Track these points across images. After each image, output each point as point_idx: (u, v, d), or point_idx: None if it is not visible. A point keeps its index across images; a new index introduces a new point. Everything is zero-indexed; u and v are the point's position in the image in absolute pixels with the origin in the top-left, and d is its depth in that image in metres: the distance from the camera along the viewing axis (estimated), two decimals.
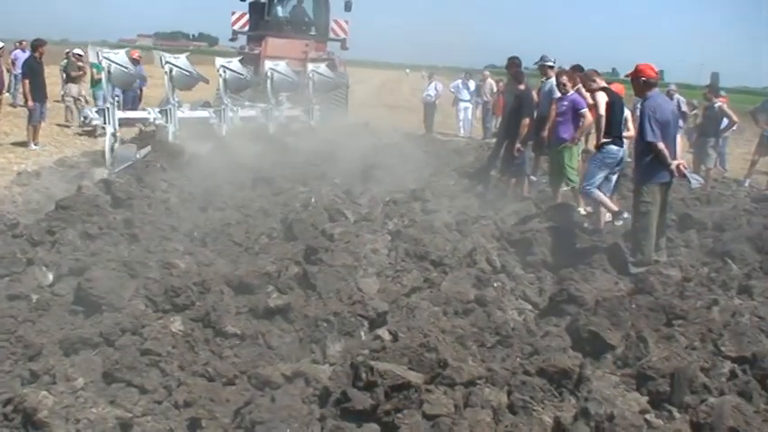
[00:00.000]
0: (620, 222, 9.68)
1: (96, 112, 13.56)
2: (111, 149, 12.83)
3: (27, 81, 15.86)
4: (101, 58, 13.71)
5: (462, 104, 25.01)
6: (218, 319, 6.03)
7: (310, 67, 18.80)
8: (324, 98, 19.50)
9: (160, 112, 14.51)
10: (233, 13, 22.23)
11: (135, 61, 19.11)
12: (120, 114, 13.45)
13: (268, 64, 17.52)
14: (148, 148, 13.47)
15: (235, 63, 16.54)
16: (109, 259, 7.45)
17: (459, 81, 25.44)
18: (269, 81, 17.27)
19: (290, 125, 18.17)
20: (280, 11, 22.47)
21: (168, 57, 14.79)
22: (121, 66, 13.97)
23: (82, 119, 14.86)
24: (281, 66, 17.70)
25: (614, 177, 10.34)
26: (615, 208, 9.79)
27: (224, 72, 15.98)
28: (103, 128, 13.20)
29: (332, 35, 22.62)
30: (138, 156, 12.97)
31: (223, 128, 15.52)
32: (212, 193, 10.70)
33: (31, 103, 15.72)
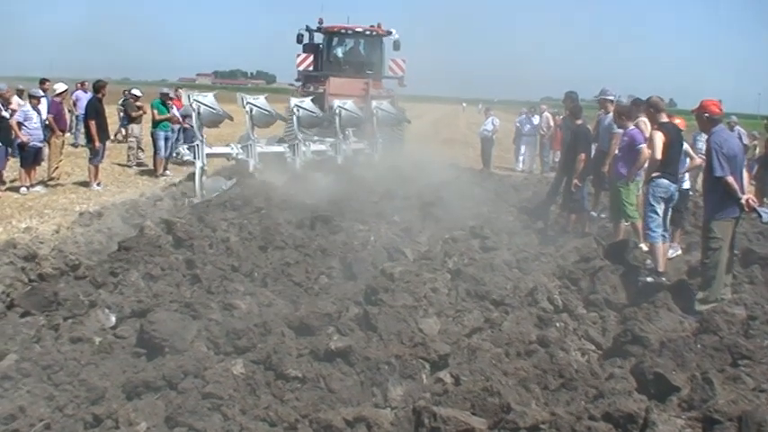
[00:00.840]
0: (651, 279, 9.42)
1: (188, 148, 14.67)
2: (201, 182, 14.49)
3: (93, 122, 16.13)
4: (191, 100, 14.98)
5: (525, 138, 24.84)
6: (280, 362, 6.01)
7: (374, 103, 19.93)
8: (384, 132, 20.24)
9: (242, 147, 15.94)
10: (298, 56, 23.23)
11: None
12: (207, 150, 14.90)
13: (336, 102, 18.73)
14: (234, 180, 15.02)
15: (307, 102, 17.90)
16: (171, 300, 7.51)
17: (523, 116, 25.38)
18: (337, 117, 18.38)
19: (356, 157, 19.12)
20: (339, 52, 23.92)
21: (249, 98, 16.26)
22: (210, 107, 15.12)
23: (174, 154, 16.25)
24: (349, 104, 18.89)
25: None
26: (662, 268, 9.55)
27: (297, 110, 17.38)
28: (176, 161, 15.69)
29: (390, 73, 23.50)
30: (224, 187, 14.72)
31: (297, 161, 16.92)
32: (271, 231, 10.74)
33: (97, 143, 16.01)
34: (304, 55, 23.33)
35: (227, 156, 16.42)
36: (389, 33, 23.58)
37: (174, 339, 6.38)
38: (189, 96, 15.46)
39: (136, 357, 6.35)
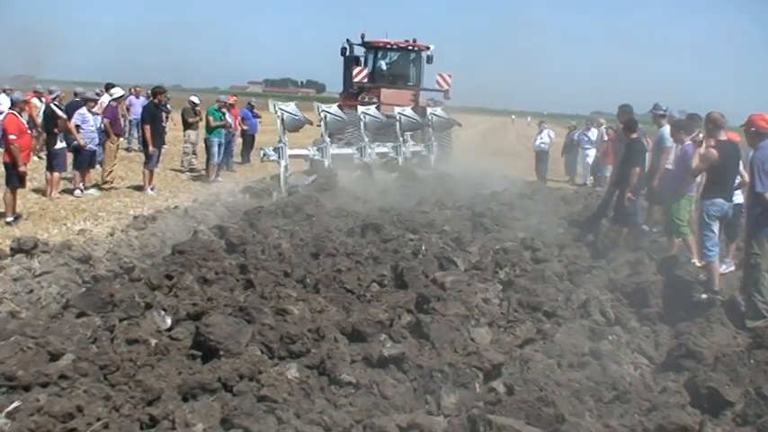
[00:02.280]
0: (705, 296, 9.26)
1: (273, 150, 17.22)
2: (285, 178, 17.20)
3: (148, 126, 16.39)
4: (276, 109, 17.47)
5: (587, 151, 24.69)
6: (333, 367, 6.07)
7: (429, 110, 21.76)
8: (437, 137, 22.10)
9: (318, 149, 18.42)
10: (355, 67, 24.74)
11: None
12: (289, 152, 17.50)
13: (397, 109, 20.61)
14: (315, 176, 17.37)
15: (372, 109, 19.95)
16: (225, 304, 7.56)
17: (580, 130, 25.29)
18: (398, 123, 20.28)
19: (414, 159, 21.16)
20: (383, 65, 25.75)
21: (280, 104, 17.92)
22: (292, 114, 17.74)
23: (261, 155, 17.57)
24: (408, 110, 20.83)
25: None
26: (717, 286, 9.42)
27: (364, 116, 19.35)
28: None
29: (436, 86, 24.94)
30: (306, 182, 17.16)
31: (365, 160, 19.11)
32: (323, 239, 10.81)
33: (152, 148, 16.25)
34: (360, 68, 24.75)
35: (305, 156, 18.88)
36: (427, 48, 25.40)
37: (228, 342, 6.44)
38: (274, 105, 17.65)
39: (191, 359, 6.41)
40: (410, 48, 25.59)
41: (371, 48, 25.56)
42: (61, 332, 6.72)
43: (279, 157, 17.19)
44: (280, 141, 17.52)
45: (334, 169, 17.76)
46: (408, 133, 21.13)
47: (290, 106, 18.10)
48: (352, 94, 24.51)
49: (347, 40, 25.43)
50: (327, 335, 6.79)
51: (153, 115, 16.69)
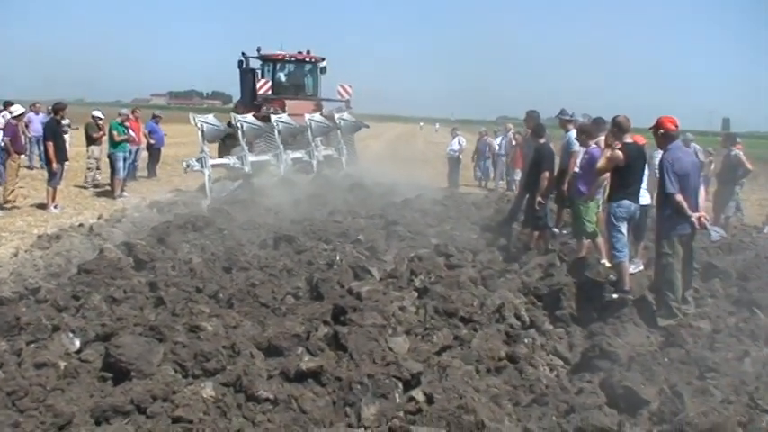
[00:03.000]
0: (616, 296, 9.45)
1: (197, 160, 17.89)
2: (210, 186, 18.09)
3: (51, 143, 15.88)
4: (196, 121, 18.35)
5: (501, 158, 25.17)
6: (250, 384, 5.94)
7: (336, 115, 22.74)
8: (345, 140, 23.09)
9: (237, 158, 19.25)
10: (259, 81, 25.16)
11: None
12: (211, 161, 18.37)
13: (307, 116, 21.64)
14: (240, 182, 19.02)
15: (285, 117, 21.07)
16: (135, 323, 7.35)
17: (499, 136, 25.84)
18: (309, 130, 21.31)
19: (326, 162, 22.04)
20: (281, 77, 26.61)
21: (200, 116, 18.80)
22: (213, 124, 18.69)
23: (185, 166, 18.01)
24: (317, 116, 22.01)
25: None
26: (627, 287, 9.60)
27: (277, 124, 20.27)
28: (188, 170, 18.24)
29: (338, 97, 25.58)
30: (232, 188, 18.83)
31: (281, 167, 20.08)
32: (235, 252, 10.66)
33: (55, 165, 15.78)
34: (263, 80, 25.16)
35: (226, 165, 19.69)
36: (322, 60, 26.58)
37: (140, 363, 6.25)
38: (194, 117, 18.73)
39: (102, 382, 6.20)
40: (306, 60, 26.60)
41: (269, 60, 26.39)
42: None
43: (202, 167, 17.88)
44: (202, 152, 18.20)
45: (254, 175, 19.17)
46: (318, 138, 21.89)
47: (209, 117, 18.99)
48: (252, 106, 24.67)
49: (242, 54, 26.23)
50: (243, 350, 6.67)
51: (55, 132, 16.21)
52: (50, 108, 19.27)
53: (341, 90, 25.55)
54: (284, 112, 22.71)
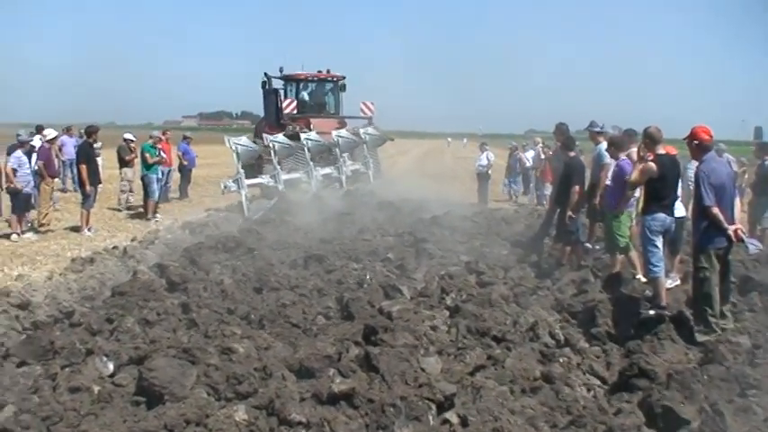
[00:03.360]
0: (653, 312, 9.28)
1: (233, 181, 19.22)
2: (247, 204, 19.25)
3: (84, 166, 16.02)
4: (231, 144, 19.64)
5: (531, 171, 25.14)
6: (282, 407, 5.90)
7: (361, 130, 23.64)
8: (372, 154, 23.83)
9: (271, 176, 20.34)
10: (285, 100, 25.94)
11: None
12: (247, 181, 19.60)
13: (334, 133, 22.38)
14: (276, 200, 19.73)
15: (313, 134, 21.86)
16: (168, 346, 7.37)
17: (528, 150, 25.76)
18: (337, 146, 22.08)
19: (354, 177, 22.82)
20: (305, 96, 26.97)
21: (234, 139, 20.04)
22: (247, 146, 20.09)
23: (222, 187, 19.37)
24: (344, 132, 22.90)
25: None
26: (664, 302, 9.45)
27: (307, 142, 21.18)
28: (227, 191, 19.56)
29: (361, 114, 26.01)
30: (268, 206, 19.34)
31: (312, 183, 21.05)
32: (266, 272, 10.67)
33: (88, 187, 15.91)
34: (288, 100, 26.03)
35: (260, 185, 20.86)
36: (343, 78, 27.15)
37: (173, 386, 6.25)
38: (229, 140, 19.92)
39: (135, 406, 6.22)
40: (328, 78, 27.21)
41: (292, 80, 27.01)
42: (1, 383, 6.55)
43: (239, 188, 19.24)
44: (237, 173, 19.39)
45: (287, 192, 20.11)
46: (345, 154, 22.60)
47: (243, 140, 20.36)
48: (278, 125, 25.18)
49: (265, 74, 26.67)
50: (275, 372, 6.65)
51: (88, 155, 16.34)
52: (83, 131, 19.48)
53: (363, 107, 26.03)
54: (310, 130, 23.14)
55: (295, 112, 25.93)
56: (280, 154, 20.63)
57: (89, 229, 15.96)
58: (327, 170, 22.00)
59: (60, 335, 7.77)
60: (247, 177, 20.15)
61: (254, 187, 21.02)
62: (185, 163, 23.59)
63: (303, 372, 6.85)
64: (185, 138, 24.46)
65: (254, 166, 22.00)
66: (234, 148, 19.62)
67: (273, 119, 26.14)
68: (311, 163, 21.30)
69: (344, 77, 27.34)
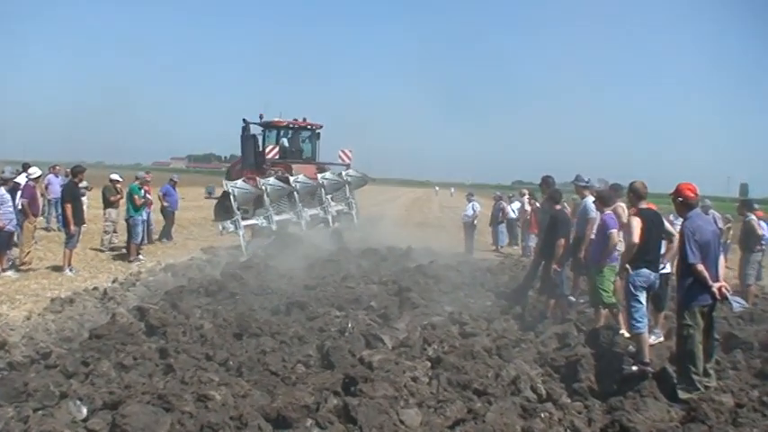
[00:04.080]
0: (635, 368, 9.21)
1: (231, 223, 20.25)
2: (246, 244, 20.43)
3: (69, 205, 15.91)
4: (229, 187, 20.89)
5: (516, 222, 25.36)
6: None
7: (343, 173, 25.10)
8: (353, 195, 25.13)
9: (264, 218, 21.40)
10: (267, 146, 28.14)
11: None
12: (244, 222, 20.68)
13: (320, 176, 24.18)
14: (273, 238, 21.04)
15: (302, 177, 23.11)
16: (144, 392, 7.23)
17: (514, 201, 25.97)
18: (322, 189, 23.50)
19: (339, 216, 24.07)
20: (285, 142, 28.87)
21: (230, 183, 21.26)
22: (244, 189, 21.12)
23: (220, 229, 20.55)
24: (328, 174, 24.64)
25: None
26: (647, 358, 9.36)
27: (296, 185, 22.31)
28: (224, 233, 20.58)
29: (339, 161, 27.58)
30: (265, 244, 20.62)
31: (302, 223, 22.36)
32: (246, 318, 10.55)
33: (73, 227, 15.79)
34: (271, 146, 28.10)
35: (254, 225, 21.61)
36: (320, 127, 29.65)
37: None
38: (226, 183, 21.42)
39: None
40: (307, 127, 29.53)
41: (273, 127, 29.19)
42: None
43: (236, 228, 20.28)
44: (234, 215, 20.44)
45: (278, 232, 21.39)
46: (329, 195, 23.80)
47: (239, 183, 21.57)
48: (256, 169, 26.88)
49: (244, 120, 28.26)
50: (251, 422, 6.53)
51: (73, 194, 16.25)
52: (68, 170, 19.41)
53: (342, 155, 27.44)
54: (291, 175, 24.09)
55: (277, 157, 27.63)
56: (272, 196, 21.60)
57: (70, 269, 15.82)
58: (314, 211, 23.17)
59: (35, 376, 7.64)
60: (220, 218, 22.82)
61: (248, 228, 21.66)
62: (166, 204, 23.50)
63: (280, 421, 6.72)
64: (171, 180, 24.42)
65: (225, 207, 23.76)
66: (231, 190, 20.81)
67: (252, 163, 27.80)
68: (299, 204, 22.41)
69: (321, 126, 29.63)
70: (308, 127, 29.69)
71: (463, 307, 12.69)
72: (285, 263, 17.16)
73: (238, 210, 21.07)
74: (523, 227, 23.80)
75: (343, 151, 27.69)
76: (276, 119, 29.13)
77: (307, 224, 22.60)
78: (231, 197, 20.82)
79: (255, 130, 28.63)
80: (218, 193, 35.43)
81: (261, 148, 28.63)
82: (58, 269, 15.98)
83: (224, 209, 24.90)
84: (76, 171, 17.09)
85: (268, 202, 21.51)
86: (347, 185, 24.71)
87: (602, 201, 11.25)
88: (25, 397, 7.26)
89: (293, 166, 27.01)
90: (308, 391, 7.36)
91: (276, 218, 21.57)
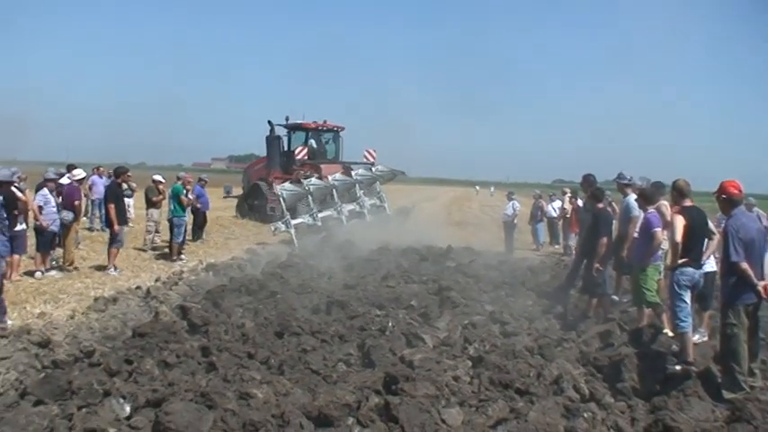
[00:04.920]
0: (679, 368, 9.05)
1: (282, 222, 22.16)
2: (296, 241, 21.91)
3: (112, 206, 16.07)
4: (279, 190, 23.30)
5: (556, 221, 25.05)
6: None
7: (373, 168, 26.82)
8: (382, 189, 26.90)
9: (309, 216, 23.12)
10: (296, 148, 30.19)
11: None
12: (293, 221, 22.41)
13: (353, 173, 25.42)
14: (324, 233, 22.57)
15: (338, 175, 24.83)
16: (186, 389, 7.29)
17: (556, 199, 25.68)
18: (357, 185, 25.22)
19: (372, 210, 25.75)
20: (313, 144, 31.00)
21: (306, 181, 23.48)
22: (292, 190, 23.04)
23: (273, 229, 22.35)
24: (360, 170, 26.14)
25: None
26: (691, 358, 9.21)
27: (336, 183, 24.24)
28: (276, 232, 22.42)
29: (364, 160, 29.27)
30: (317, 240, 21.95)
31: (343, 218, 24.26)
32: (287, 317, 10.58)
33: (116, 227, 15.96)
34: (300, 146, 30.03)
35: (302, 224, 22.95)
36: (342, 128, 31.99)
37: (189, 431, 6.16)
38: (276, 186, 24.45)
39: None
40: (332, 128, 31.77)
41: (300, 129, 31.36)
42: (17, 422, 6.47)
43: (287, 227, 22.11)
44: (284, 215, 22.35)
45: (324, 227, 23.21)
46: (362, 191, 25.51)
47: (287, 185, 23.56)
48: (285, 170, 29.72)
49: (269, 122, 30.64)
50: (292, 420, 6.53)
51: (116, 195, 16.40)
52: (111, 172, 19.62)
53: (366, 154, 29.37)
54: (321, 175, 26.00)
55: (306, 158, 29.62)
56: (315, 195, 23.53)
57: (115, 269, 15.97)
58: (351, 206, 24.91)
59: (79, 374, 7.68)
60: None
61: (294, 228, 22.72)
62: (198, 205, 23.64)
63: (321, 420, 6.73)
64: (200, 180, 24.56)
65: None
66: (280, 192, 22.92)
67: (277, 163, 30.63)
68: (338, 201, 24.30)
69: (343, 128, 32.01)
70: (334, 129, 31.79)
71: (504, 306, 12.62)
72: (326, 261, 17.22)
73: (288, 210, 22.62)
74: (564, 226, 23.58)
75: (367, 150, 29.43)
76: (301, 121, 31.16)
77: (346, 218, 24.24)
78: (281, 199, 22.70)
79: (280, 132, 30.95)
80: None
81: (285, 150, 31.12)
82: (101, 269, 16.11)
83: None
84: (119, 172, 17.26)
85: (311, 201, 23.16)
86: (377, 181, 26.31)
87: (646, 199, 11.12)
88: (69, 395, 7.30)
89: (324, 166, 28.54)
90: (350, 390, 7.35)
91: (322, 215, 23.32)
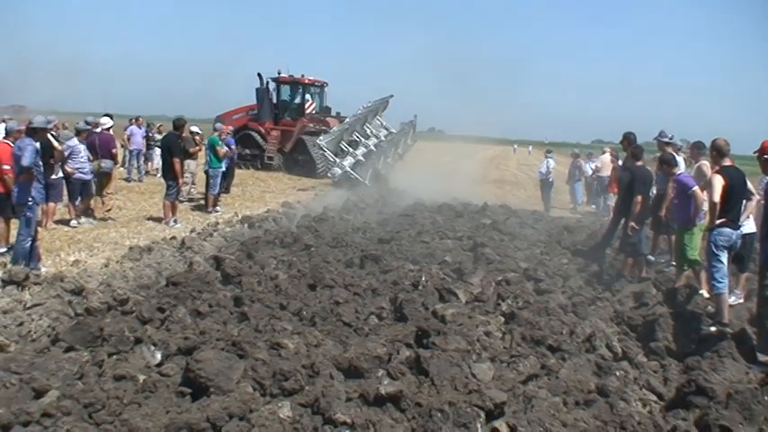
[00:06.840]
0: (714, 329, 8.92)
1: (337, 166, 24.36)
2: (357, 175, 24.54)
3: (177, 159, 16.08)
4: (321, 143, 24.92)
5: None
6: (328, 406, 5.78)
7: (377, 121, 29.08)
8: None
9: (351, 156, 25.33)
10: (307, 101, 32.80)
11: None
12: (344, 162, 24.75)
13: (368, 126, 27.92)
14: (371, 170, 25.86)
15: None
16: (218, 338, 7.32)
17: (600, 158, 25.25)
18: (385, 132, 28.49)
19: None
20: (317, 99, 33.86)
21: (314, 138, 26.70)
22: (331, 139, 25.00)
23: (330, 176, 25.11)
24: (375, 122, 28.48)
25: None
26: (726, 319, 9.07)
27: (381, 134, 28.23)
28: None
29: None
30: (366, 182, 24.90)
31: (380, 162, 27.09)
32: (321, 270, 10.57)
33: (181, 180, 16.00)
34: (310, 101, 32.79)
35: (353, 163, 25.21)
36: (327, 84, 34.50)
37: (219, 379, 6.18)
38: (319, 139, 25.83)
39: (180, 397, 6.12)
40: (322, 83, 34.06)
41: (298, 84, 33.03)
42: (47, 368, 6.52)
43: (343, 170, 24.37)
44: (334, 161, 24.71)
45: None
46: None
47: (323, 137, 25.55)
48: (273, 121, 32.21)
49: (259, 74, 32.14)
50: (322, 371, 6.53)
51: (177, 147, 16.40)
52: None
53: (361, 108, 30.25)
54: (329, 127, 28.62)
55: (314, 112, 32.47)
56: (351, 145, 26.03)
57: (175, 221, 16.07)
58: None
59: (110, 322, 7.71)
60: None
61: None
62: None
63: (352, 371, 6.73)
64: (229, 132, 24.53)
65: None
66: (324, 144, 24.63)
67: (268, 114, 32.33)
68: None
69: (327, 83, 34.51)
70: (319, 84, 33.86)
71: (539, 264, 12.52)
72: (360, 216, 17.20)
73: (336, 155, 25.02)
74: (601, 185, 23.28)
75: (363, 106, 29.98)
76: (301, 76, 32.88)
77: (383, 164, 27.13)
78: (327, 152, 24.81)
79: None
80: None
81: (274, 102, 32.88)
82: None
83: (293, 161, 31.04)
84: (179, 124, 17.11)
85: (345, 144, 25.70)
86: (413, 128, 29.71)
87: (668, 164, 11.02)
88: (100, 341, 7.35)
89: (330, 120, 31.22)
90: (381, 343, 7.32)
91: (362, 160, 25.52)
